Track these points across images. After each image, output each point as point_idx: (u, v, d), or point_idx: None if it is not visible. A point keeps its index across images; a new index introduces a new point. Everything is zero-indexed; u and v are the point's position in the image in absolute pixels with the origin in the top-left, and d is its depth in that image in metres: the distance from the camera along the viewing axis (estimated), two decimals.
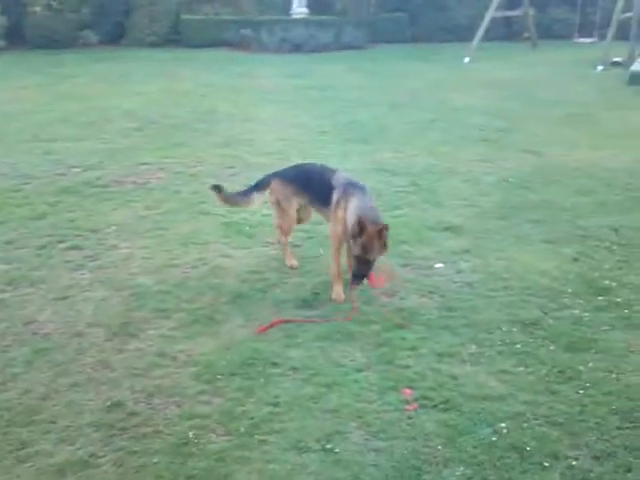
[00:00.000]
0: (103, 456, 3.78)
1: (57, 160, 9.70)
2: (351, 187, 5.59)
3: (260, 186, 6.31)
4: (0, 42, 22.95)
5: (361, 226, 5.17)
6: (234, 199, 6.49)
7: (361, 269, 5.30)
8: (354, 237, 5.25)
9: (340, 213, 5.57)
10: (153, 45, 24.95)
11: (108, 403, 4.23)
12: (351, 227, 5.32)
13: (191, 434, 3.94)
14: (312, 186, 5.96)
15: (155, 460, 3.74)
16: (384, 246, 5.25)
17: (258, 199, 6.32)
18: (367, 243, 5.17)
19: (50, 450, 3.83)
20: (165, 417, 4.11)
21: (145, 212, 7.62)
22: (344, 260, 5.80)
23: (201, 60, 21.54)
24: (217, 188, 6.37)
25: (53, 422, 4.06)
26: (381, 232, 5.17)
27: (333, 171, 5.90)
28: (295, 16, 26.12)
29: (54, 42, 23.56)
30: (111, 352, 4.81)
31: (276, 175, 6.28)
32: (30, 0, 23.85)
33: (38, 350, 4.80)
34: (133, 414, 4.13)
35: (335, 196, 5.66)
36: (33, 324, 5.18)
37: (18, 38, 23.61)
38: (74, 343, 4.92)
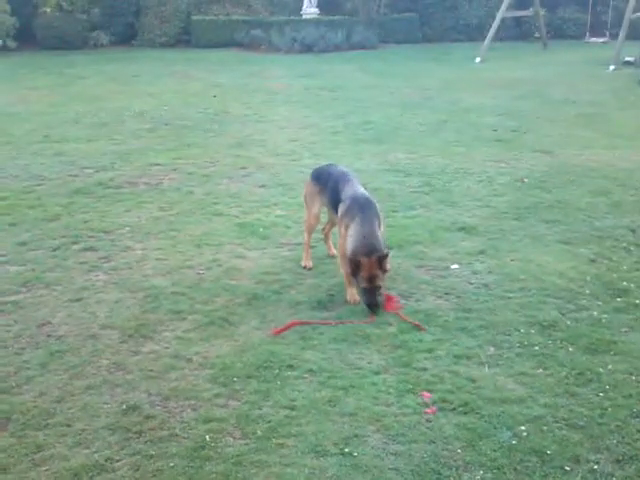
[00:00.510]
0: (119, 460, 3.75)
1: (69, 161, 9.70)
2: (355, 207, 5.57)
3: None
4: (11, 43, 23.03)
5: (355, 264, 5.26)
6: None
7: (372, 298, 5.34)
8: (354, 274, 5.33)
9: (342, 231, 5.62)
10: (164, 46, 25.02)
11: (124, 406, 4.19)
12: (348, 265, 5.39)
13: (208, 437, 3.91)
14: (327, 190, 5.96)
15: (172, 464, 3.71)
16: (385, 271, 5.33)
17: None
18: (368, 274, 5.24)
19: (66, 453, 3.80)
20: (181, 420, 4.07)
21: (158, 213, 7.60)
22: None
23: (212, 61, 21.55)
24: None
25: (68, 425, 4.03)
26: (379, 260, 5.24)
27: (347, 181, 5.86)
28: (306, 16, 26.10)
29: (65, 43, 23.64)
30: (126, 354, 4.79)
31: (314, 170, 6.41)
32: (41, 1, 23.89)
33: (53, 352, 4.78)
34: (149, 417, 4.10)
35: (340, 210, 5.70)
36: (47, 326, 5.16)
37: (29, 39, 23.69)
38: (89, 345, 4.89)
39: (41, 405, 4.21)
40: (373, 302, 5.32)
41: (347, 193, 5.69)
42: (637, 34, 20.51)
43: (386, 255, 5.29)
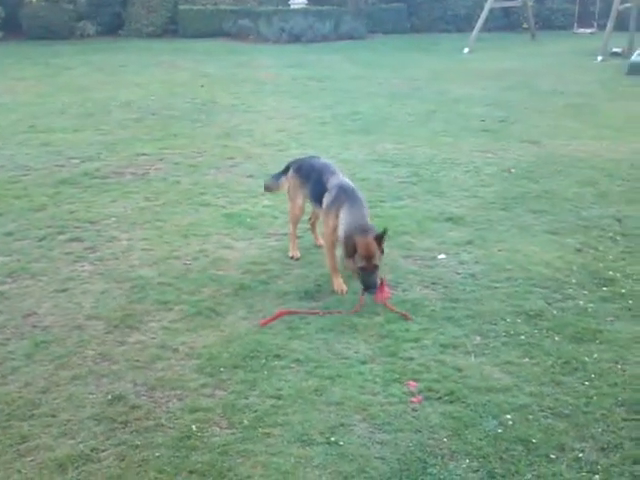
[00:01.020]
0: (105, 450, 3.73)
1: (55, 151, 9.65)
2: (342, 194, 5.52)
3: (285, 171, 6.37)
4: None
5: (352, 243, 5.16)
6: (268, 184, 6.65)
7: (369, 279, 5.22)
8: (350, 255, 5.22)
9: (331, 221, 5.54)
10: (151, 36, 24.91)
11: (109, 396, 4.18)
12: (343, 247, 5.31)
13: (194, 427, 3.90)
14: (310, 182, 5.93)
15: (157, 454, 3.70)
16: (382, 250, 5.25)
17: (285, 184, 6.35)
18: (366, 253, 5.14)
19: (51, 444, 3.78)
20: (167, 410, 4.06)
21: (145, 203, 7.57)
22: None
23: (199, 51, 21.45)
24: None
25: (54, 416, 4.01)
26: (376, 239, 5.17)
27: (332, 172, 5.82)
28: (294, 6, 26.02)
29: (51, 33, 23.49)
30: (112, 345, 4.77)
31: (294, 163, 6.34)
32: None
33: (38, 343, 4.76)
34: (135, 407, 4.09)
35: (325, 200, 5.64)
36: (33, 317, 5.14)
37: (15, 29, 23.54)
38: (74, 336, 4.87)
39: (26, 396, 4.19)
40: (372, 283, 5.21)
41: (332, 183, 5.66)
42: (625, 25, 20.53)
43: (383, 233, 5.20)
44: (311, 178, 5.93)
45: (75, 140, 10.28)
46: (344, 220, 5.36)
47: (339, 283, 5.55)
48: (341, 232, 5.35)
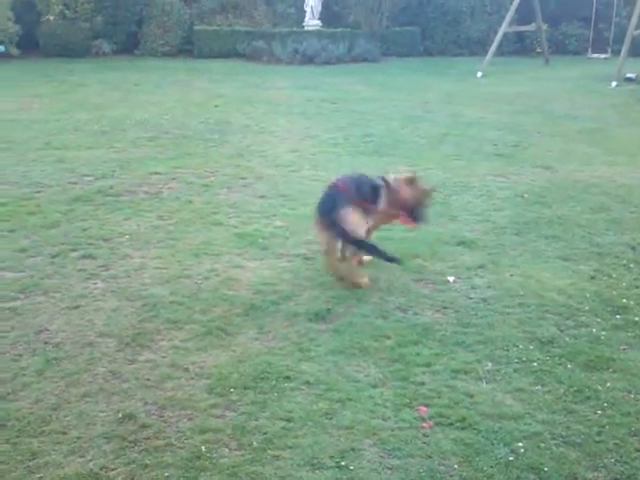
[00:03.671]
0: (114, 469, 3.72)
1: (69, 169, 9.69)
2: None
3: None
4: (14, 50, 23.04)
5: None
6: None
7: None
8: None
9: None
10: (166, 55, 25.07)
11: (120, 415, 4.18)
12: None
13: (203, 448, 3.89)
14: None
15: (167, 474, 3.69)
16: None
17: None
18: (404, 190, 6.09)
19: (60, 461, 3.77)
20: (177, 430, 4.06)
21: (158, 222, 7.59)
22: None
23: (214, 71, 21.59)
24: None
25: (64, 433, 4.01)
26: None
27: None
28: (308, 28, 26.15)
29: (67, 51, 23.65)
30: (123, 363, 4.77)
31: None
32: (44, 9, 23.94)
33: (49, 359, 4.76)
34: (145, 426, 4.08)
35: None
36: (44, 333, 5.14)
37: (32, 46, 23.72)
38: (86, 353, 4.87)
39: (37, 412, 4.19)
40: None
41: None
42: (639, 51, 20.56)
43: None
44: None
45: (89, 157, 10.33)
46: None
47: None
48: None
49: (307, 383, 4.53)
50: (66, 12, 23.92)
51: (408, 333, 5.17)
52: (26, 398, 4.33)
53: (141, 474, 3.68)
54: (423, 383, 4.54)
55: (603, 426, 4.11)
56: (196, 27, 25.63)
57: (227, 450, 3.89)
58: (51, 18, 23.92)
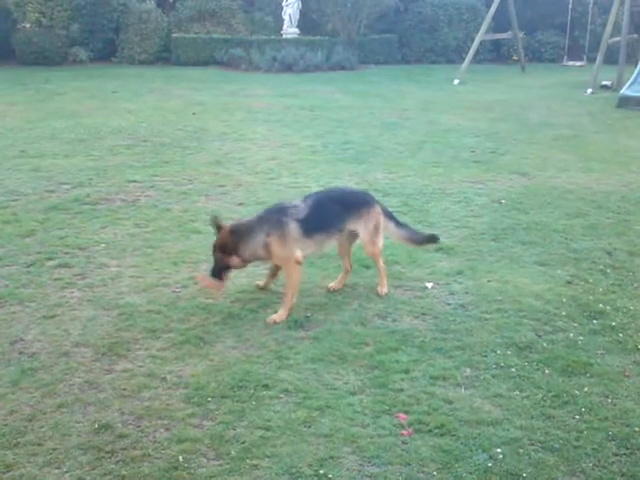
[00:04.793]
0: None
1: (46, 177, 9.62)
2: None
3: None
4: None
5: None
6: None
7: None
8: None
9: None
10: (144, 63, 25.00)
11: (96, 425, 4.13)
12: None
13: (181, 458, 3.85)
14: None
15: None
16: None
17: None
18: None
19: (36, 474, 3.73)
20: (154, 440, 4.02)
21: (134, 230, 7.54)
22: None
23: (192, 78, 21.53)
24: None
25: (39, 444, 3.96)
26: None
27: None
28: (286, 36, 26.19)
29: (44, 59, 23.53)
30: (99, 372, 4.73)
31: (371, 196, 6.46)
32: (20, 16, 23.79)
33: (25, 370, 4.71)
34: (122, 437, 4.04)
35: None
36: (20, 343, 5.09)
37: (7, 54, 23.58)
38: (61, 363, 4.82)
39: (11, 423, 4.14)
40: None
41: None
42: (614, 58, 20.78)
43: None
44: None
45: (66, 166, 10.26)
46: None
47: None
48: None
49: (286, 391, 4.51)
50: (42, 20, 23.82)
51: (387, 340, 5.17)
52: (0, 409, 4.28)
53: None
54: (402, 390, 4.53)
55: (581, 431, 4.13)
56: (174, 35, 25.59)
57: (205, 460, 3.86)
58: (27, 26, 23.81)
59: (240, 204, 8.52)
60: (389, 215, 6.20)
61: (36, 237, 7.25)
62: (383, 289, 6.05)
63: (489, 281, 6.28)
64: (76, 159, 10.73)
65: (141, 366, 4.81)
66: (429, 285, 6.17)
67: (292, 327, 5.39)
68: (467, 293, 6.04)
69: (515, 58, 26.60)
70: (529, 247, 7.16)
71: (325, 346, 5.08)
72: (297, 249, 5.57)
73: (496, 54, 28.41)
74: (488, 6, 24.00)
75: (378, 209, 6.04)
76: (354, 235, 6.02)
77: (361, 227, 5.94)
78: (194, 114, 15.03)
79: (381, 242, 6.08)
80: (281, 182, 9.55)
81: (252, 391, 4.50)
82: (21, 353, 4.94)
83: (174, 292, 6.01)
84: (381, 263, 6.10)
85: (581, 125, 14.52)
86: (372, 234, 5.96)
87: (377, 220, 6.00)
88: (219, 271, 5.65)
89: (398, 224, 6.25)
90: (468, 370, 4.80)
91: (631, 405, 4.41)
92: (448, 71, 23.41)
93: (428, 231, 7.49)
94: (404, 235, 6.28)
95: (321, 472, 3.75)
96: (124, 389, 4.52)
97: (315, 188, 8.86)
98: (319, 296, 5.89)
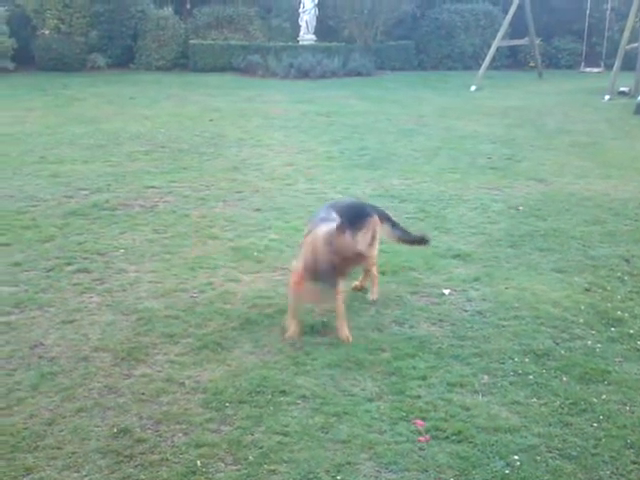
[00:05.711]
0: None
1: (64, 183, 9.69)
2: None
3: None
4: (9, 64, 23.06)
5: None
6: None
7: None
8: None
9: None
10: (161, 69, 25.10)
11: (115, 429, 4.17)
12: None
13: (199, 463, 3.88)
14: None
15: None
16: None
17: None
18: None
19: (55, 477, 3.76)
20: (173, 445, 4.05)
21: (153, 236, 7.59)
22: None
23: (209, 85, 21.61)
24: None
25: (59, 448, 4.00)
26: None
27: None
28: (303, 43, 26.23)
29: (63, 65, 23.67)
30: (118, 377, 4.76)
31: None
32: (39, 23, 23.99)
33: (44, 374, 4.75)
34: (140, 441, 4.07)
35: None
36: (39, 347, 5.14)
37: (27, 60, 23.74)
38: (81, 367, 4.87)
39: (31, 427, 4.18)
40: None
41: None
42: (631, 65, 20.66)
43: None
44: None
45: (84, 171, 10.33)
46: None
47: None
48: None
49: (303, 397, 4.53)
50: (61, 26, 23.96)
51: (404, 346, 5.18)
52: (20, 413, 4.32)
53: None
54: (419, 396, 4.54)
55: (599, 439, 4.12)
56: (191, 41, 25.67)
57: (223, 465, 3.88)
58: (46, 32, 23.95)
59: (257, 210, 8.56)
60: (386, 217, 6.19)
61: (55, 242, 7.31)
62: (374, 296, 6.10)
63: (506, 288, 6.27)
64: (95, 165, 10.80)
65: (159, 371, 4.84)
66: (446, 292, 6.18)
67: (309, 333, 5.41)
68: (484, 300, 6.04)
69: (532, 64, 26.50)
70: (547, 254, 7.14)
71: (342, 352, 5.10)
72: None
73: (513, 60, 28.30)
74: (505, 12, 23.92)
75: (376, 218, 6.05)
76: None
77: (360, 238, 5.96)
78: (211, 120, 15.08)
79: (375, 251, 6.05)
80: (298, 188, 9.58)
81: (269, 396, 4.52)
82: (41, 357, 4.99)
83: (192, 297, 6.04)
84: (374, 272, 6.14)
85: (599, 131, 14.46)
86: (369, 244, 5.97)
87: (374, 230, 6.04)
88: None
89: (394, 225, 6.27)
90: (485, 377, 4.80)
91: None
92: (465, 77, 23.38)
93: (445, 238, 7.54)
94: (397, 235, 6.31)
95: (338, 478, 3.76)
96: (143, 394, 4.56)
97: (331, 194, 8.91)
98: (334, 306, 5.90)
